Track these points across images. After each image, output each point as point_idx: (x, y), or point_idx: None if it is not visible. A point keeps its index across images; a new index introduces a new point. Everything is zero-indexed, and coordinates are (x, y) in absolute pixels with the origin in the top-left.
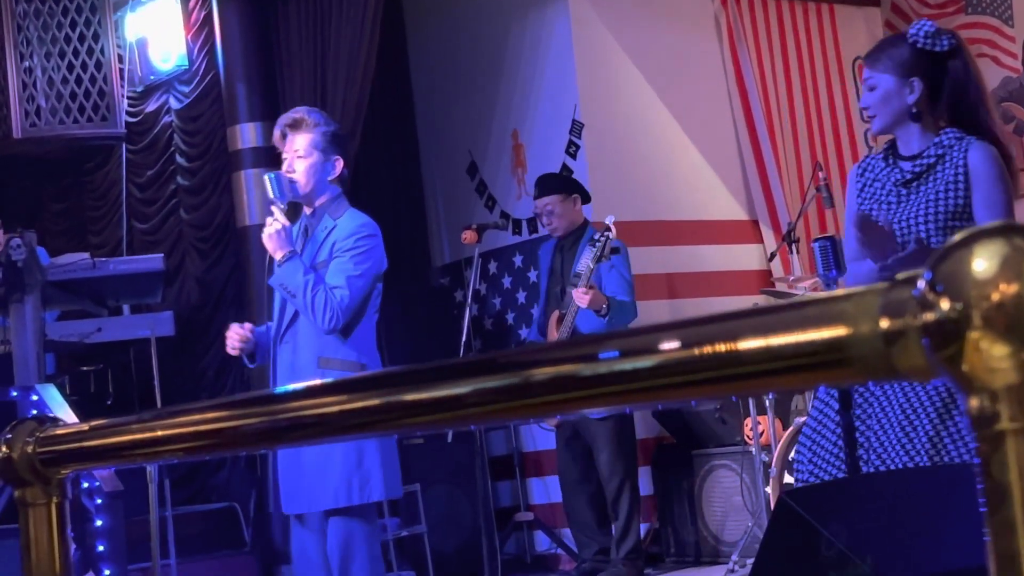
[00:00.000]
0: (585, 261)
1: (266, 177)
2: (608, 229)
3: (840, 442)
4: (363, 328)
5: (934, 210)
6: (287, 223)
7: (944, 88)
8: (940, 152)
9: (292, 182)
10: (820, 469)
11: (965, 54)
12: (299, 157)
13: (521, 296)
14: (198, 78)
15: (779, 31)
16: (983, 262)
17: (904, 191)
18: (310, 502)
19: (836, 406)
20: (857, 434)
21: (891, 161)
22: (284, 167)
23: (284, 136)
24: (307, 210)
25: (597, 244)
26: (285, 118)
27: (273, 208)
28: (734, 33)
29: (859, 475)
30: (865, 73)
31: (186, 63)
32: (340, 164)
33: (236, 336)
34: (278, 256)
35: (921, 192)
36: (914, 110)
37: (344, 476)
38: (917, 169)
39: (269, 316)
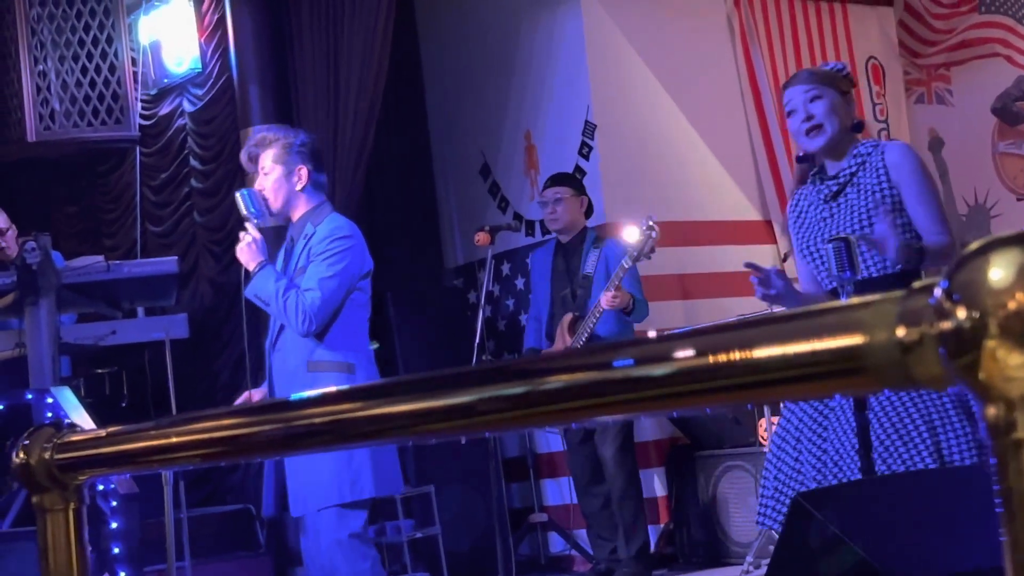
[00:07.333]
0: (621, 261)
1: (238, 194)
2: (652, 228)
3: (801, 458)
4: (350, 329)
5: (865, 215)
6: (259, 236)
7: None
8: (860, 161)
9: (265, 199)
10: (785, 486)
11: None
12: (265, 174)
13: None
14: (211, 81)
15: (792, 30)
16: (999, 271)
17: (833, 204)
18: (305, 503)
19: (796, 422)
20: (817, 452)
21: (817, 181)
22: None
23: (254, 159)
24: (292, 221)
25: (636, 245)
26: (249, 140)
27: (247, 223)
28: (747, 32)
29: (874, 477)
30: (804, 87)
31: (199, 66)
32: (304, 172)
33: None
34: (251, 267)
35: (847, 201)
36: (856, 120)
37: (334, 475)
38: (842, 180)
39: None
